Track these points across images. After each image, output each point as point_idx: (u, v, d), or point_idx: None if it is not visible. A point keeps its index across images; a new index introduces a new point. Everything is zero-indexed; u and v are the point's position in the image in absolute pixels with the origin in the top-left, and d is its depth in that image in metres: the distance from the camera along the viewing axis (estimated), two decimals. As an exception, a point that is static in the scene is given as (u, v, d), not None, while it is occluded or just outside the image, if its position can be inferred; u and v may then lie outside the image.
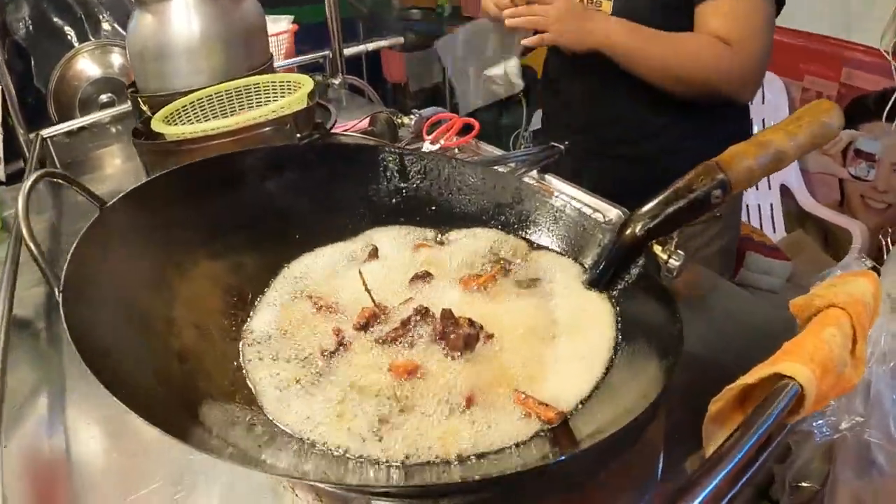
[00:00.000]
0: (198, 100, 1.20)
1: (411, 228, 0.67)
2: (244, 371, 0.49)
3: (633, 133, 1.22)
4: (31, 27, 2.08)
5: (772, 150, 0.66)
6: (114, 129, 1.72)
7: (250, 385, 0.48)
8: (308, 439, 0.44)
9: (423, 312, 0.51)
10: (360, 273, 0.55)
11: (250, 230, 0.63)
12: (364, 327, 0.51)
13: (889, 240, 0.68)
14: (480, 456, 0.42)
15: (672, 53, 1.04)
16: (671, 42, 1.07)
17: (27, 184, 0.50)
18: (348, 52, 1.98)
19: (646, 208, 0.60)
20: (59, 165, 1.49)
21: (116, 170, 1.54)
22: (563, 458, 0.40)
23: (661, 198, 0.60)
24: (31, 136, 1.46)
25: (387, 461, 0.41)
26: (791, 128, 0.70)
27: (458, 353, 0.49)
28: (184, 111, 1.18)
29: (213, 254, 0.58)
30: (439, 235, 0.66)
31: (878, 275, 0.64)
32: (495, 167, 0.86)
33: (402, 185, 0.70)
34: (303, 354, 0.50)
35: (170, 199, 0.59)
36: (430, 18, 3.93)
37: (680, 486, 0.39)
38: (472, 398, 0.46)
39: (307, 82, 1.12)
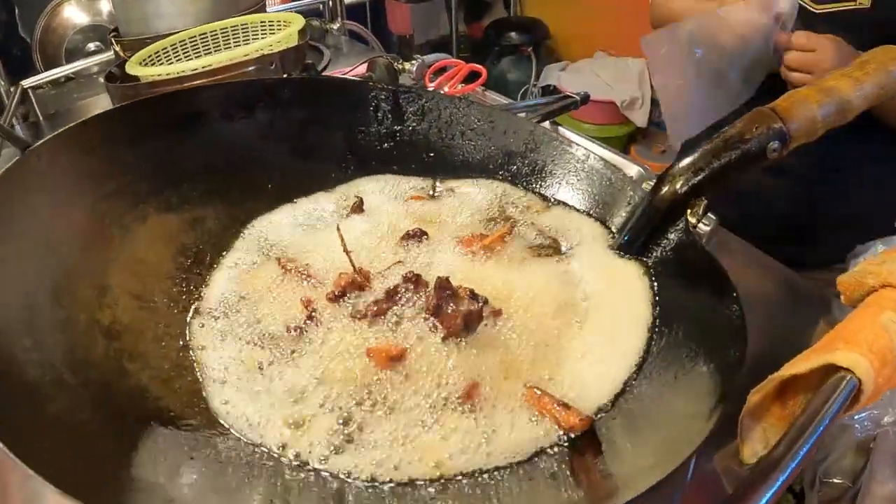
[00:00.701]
0: (180, 42, 1.11)
1: (404, 178, 0.56)
2: (190, 352, 0.40)
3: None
4: None
5: (836, 97, 0.58)
6: (101, 80, 1.62)
7: (196, 371, 0.38)
8: (257, 444, 0.34)
9: (414, 280, 0.41)
10: (338, 230, 0.44)
11: (212, 179, 0.53)
12: (339, 297, 0.41)
13: None
14: (476, 475, 0.32)
15: None
16: None
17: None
18: (349, -1, 1.85)
19: (689, 160, 0.50)
20: (40, 117, 1.40)
21: None
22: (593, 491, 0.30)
23: (707, 147, 0.51)
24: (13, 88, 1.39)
25: (351, 479, 0.31)
26: (857, 73, 0.61)
27: (456, 335, 0.38)
28: (164, 53, 1.09)
29: (164, 206, 0.49)
30: (437, 186, 0.55)
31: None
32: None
33: (396, 127, 0.59)
34: (263, 332, 0.41)
35: (112, 141, 0.49)
36: (438, -37, 3.77)
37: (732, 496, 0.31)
38: (472, 394, 0.36)
39: (297, 20, 1.01)
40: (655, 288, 0.45)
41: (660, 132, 3.47)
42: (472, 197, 0.53)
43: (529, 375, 0.38)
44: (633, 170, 0.96)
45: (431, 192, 0.55)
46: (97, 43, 1.68)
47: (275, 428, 0.35)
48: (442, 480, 0.32)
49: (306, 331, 0.40)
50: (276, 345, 0.40)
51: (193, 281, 0.46)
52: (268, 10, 1.41)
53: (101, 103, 1.48)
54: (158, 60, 1.07)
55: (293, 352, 0.39)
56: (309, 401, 0.36)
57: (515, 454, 0.33)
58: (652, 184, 0.53)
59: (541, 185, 0.56)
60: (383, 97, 0.59)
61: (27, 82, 1.41)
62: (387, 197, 0.53)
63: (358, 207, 0.51)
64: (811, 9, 1.07)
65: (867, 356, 0.43)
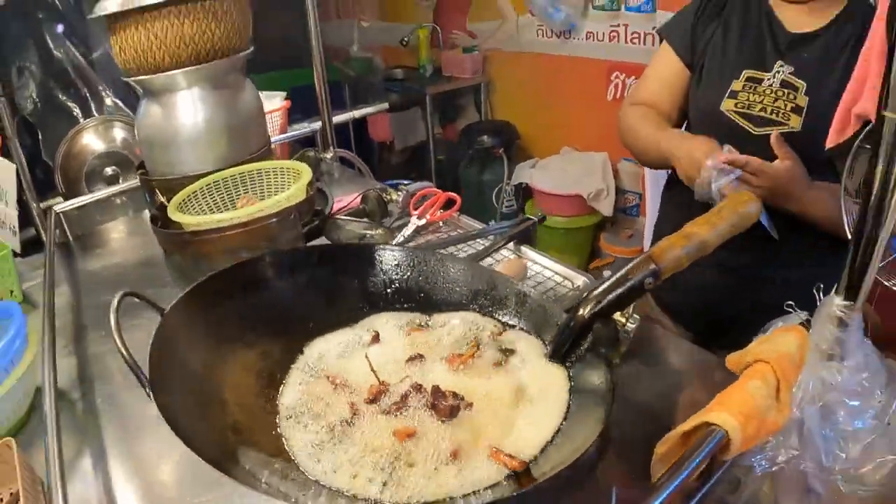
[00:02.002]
0: (206, 186, 1.37)
1: (405, 314, 0.85)
2: (283, 438, 0.67)
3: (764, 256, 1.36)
4: (38, 104, 2.26)
5: (696, 240, 0.84)
6: (118, 201, 1.90)
7: (287, 448, 0.66)
8: (333, 487, 0.61)
9: (418, 388, 0.70)
10: (367, 357, 0.73)
11: (273, 322, 0.82)
12: (373, 401, 0.70)
13: (820, 294, 0.83)
14: (465, 496, 0.59)
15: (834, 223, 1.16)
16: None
17: (114, 303, 0.68)
18: (337, 119, 2.18)
19: (593, 294, 0.78)
20: (70, 238, 1.68)
21: (123, 244, 1.74)
22: (523, 490, 0.58)
23: (605, 286, 0.79)
24: (43, 208, 1.66)
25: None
26: (714, 219, 0.88)
27: (446, 419, 0.67)
28: (194, 197, 1.34)
29: (246, 344, 0.77)
30: (428, 319, 0.85)
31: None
32: (476, 260, 1.04)
33: (395, 276, 0.89)
34: (326, 423, 0.68)
35: (209, 302, 0.78)
36: (413, 78, 4.17)
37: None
38: (457, 453, 0.64)
39: (305, 172, 1.29)
40: (571, 378, 0.74)
41: (626, 218, 3.81)
42: (452, 326, 0.83)
43: (491, 440, 0.66)
44: (580, 280, 1.26)
45: (425, 324, 0.84)
46: (114, 167, 1.95)
47: (342, 478, 0.62)
48: (447, 500, 0.59)
49: (353, 422, 0.68)
50: (336, 431, 0.67)
51: (272, 394, 0.74)
52: (271, 140, 1.71)
53: (119, 227, 1.79)
54: (190, 204, 1.33)
55: (347, 435, 0.66)
56: (362, 462, 0.63)
57: (484, 484, 0.61)
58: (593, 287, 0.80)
59: (499, 314, 0.86)
60: (385, 256, 0.90)
61: (59, 207, 1.70)
62: (394, 329, 0.82)
63: (375, 338, 0.81)
64: (751, 131, 1.35)
65: (735, 415, 0.67)
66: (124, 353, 0.62)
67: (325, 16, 2.31)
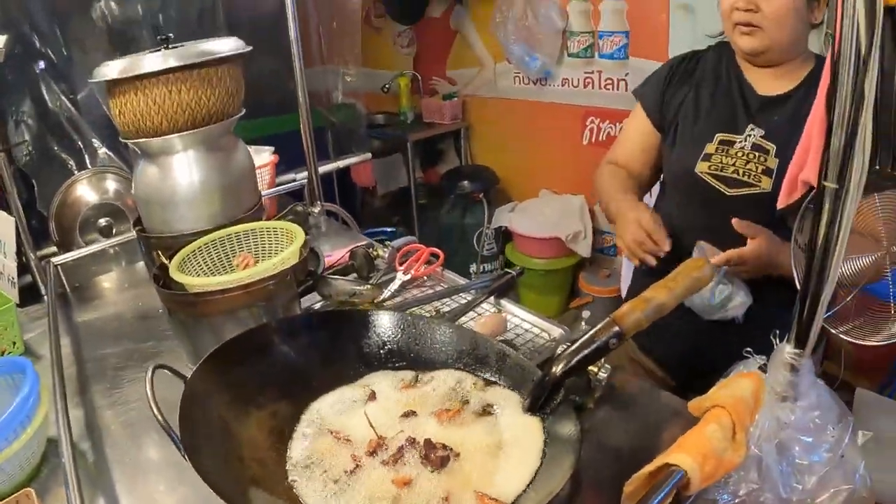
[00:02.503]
0: (204, 245, 1.45)
1: (397, 372, 0.97)
2: (294, 489, 0.78)
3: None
4: (33, 155, 2.35)
5: (654, 304, 0.95)
6: (112, 251, 1.99)
7: (299, 497, 0.77)
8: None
9: (412, 442, 0.81)
10: (365, 414, 0.85)
11: (280, 383, 0.93)
12: (372, 454, 0.81)
13: (776, 340, 0.94)
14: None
15: None
16: None
17: (149, 374, 0.79)
18: (322, 170, 2.31)
19: (564, 354, 0.90)
20: (68, 289, 1.77)
21: (120, 295, 1.82)
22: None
23: (574, 346, 0.90)
24: (40, 257, 1.79)
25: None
26: (671, 284, 0.99)
27: (437, 469, 0.78)
28: (192, 256, 1.42)
29: (257, 405, 0.88)
30: (418, 377, 0.96)
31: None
32: (456, 322, 1.16)
33: (387, 338, 1.01)
34: (332, 474, 0.79)
35: (223, 369, 0.90)
36: (394, 123, 4.33)
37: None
38: (448, 498, 0.75)
39: (299, 235, 1.39)
40: (546, 428, 0.86)
41: (604, 258, 3.96)
42: (440, 383, 0.95)
43: (477, 486, 0.78)
44: (556, 332, 1.38)
45: (415, 381, 0.95)
46: (107, 218, 2.02)
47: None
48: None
49: (356, 473, 0.79)
50: (341, 481, 0.78)
51: (282, 448, 0.85)
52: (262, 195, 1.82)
53: (114, 278, 1.89)
54: (189, 263, 1.41)
55: (351, 484, 0.77)
56: (366, 508, 0.74)
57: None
58: (565, 346, 0.92)
59: (481, 371, 0.98)
60: (379, 320, 1.01)
61: (57, 259, 1.80)
62: (388, 386, 0.94)
63: (372, 396, 0.92)
64: (725, 192, 1.44)
65: (693, 456, 0.77)
66: (160, 419, 0.73)
67: (309, 62, 2.44)
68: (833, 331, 0.94)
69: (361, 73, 3.59)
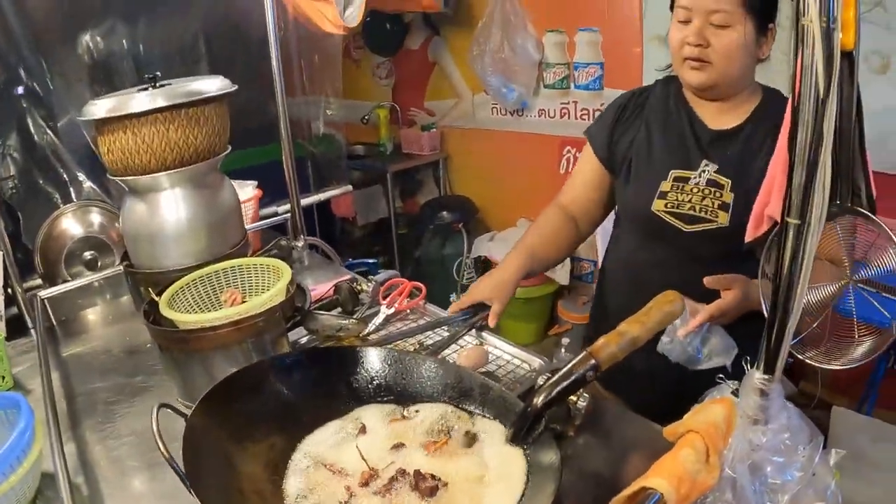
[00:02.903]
0: (192, 281, 1.49)
1: (386, 405, 1.03)
2: (290, 519, 0.83)
3: None
4: (19, 188, 2.37)
5: (628, 337, 1.02)
6: (97, 284, 2.01)
7: (296, 529, 0.82)
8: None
9: (402, 472, 0.87)
10: (357, 448, 0.90)
11: (274, 418, 0.98)
12: (365, 485, 0.86)
13: (748, 365, 0.98)
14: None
15: None
16: None
17: (154, 413, 0.84)
18: (304, 202, 2.36)
19: (545, 386, 0.96)
20: (54, 322, 1.80)
21: (106, 329, 1.85)
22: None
23: (554, 379, 0.96)
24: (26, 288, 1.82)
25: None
26: (643, 318, 1.06)
27: (427, 498, 0.84)
28: (181, 291, 1.46)
29: (254, 439, 0.93)
30: (405, 410, 1.02)
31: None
32: (439, 355, 1.22)
33: (374, 373, 1.06)
34: (327, 505, 0.84)
35: (221, 406, 0.94)
36: (374, 154, 4.40)
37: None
38: (437, 526, 0.80)
39: (286, 272, 1.43)
40: (528, 456, 0.92)
41: (582, 285, 4.04)
42: (427, 415, 1.01)
43: (464, 514, 0.83)
44: (536, 362, 1.44)
45: (403, 415, 1.01)
46: (92, 252, 2.04)
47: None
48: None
49: (350, 503, 0.84)
50: (336, 511, 0.83)
51: (279, 481, 0.90)
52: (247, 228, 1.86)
53: (99, 312, 1.92)
54: (178, 299, 1.45)
55: (345, 515, 0.83)
56: (360, 537, 0.79)
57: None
58: (545, 377, 0.97)
59: (465, 404, 1.03)
60: (367, 356, 1.07)
61: (44, 294, 1.83)
62: (378, 420, 0.99)
63: (363, 430, 0.97)
64: (682, 229, 1.46)
65: (668, 479, 0.82)
66: (166, 455, 0.77)
67: (290, 92, 2.50)
68: (800, 356, 0.99)
69: (340, 104, 3.66)
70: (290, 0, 2.42)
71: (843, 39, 0.77)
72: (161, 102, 1.51)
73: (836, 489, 0.90)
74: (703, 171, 1.47)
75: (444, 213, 4.07)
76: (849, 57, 0.81)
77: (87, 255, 2.05)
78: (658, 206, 1.49)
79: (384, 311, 1.66)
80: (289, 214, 2.30)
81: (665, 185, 1.50)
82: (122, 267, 1.68)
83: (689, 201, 1.46)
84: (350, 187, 2.88)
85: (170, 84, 1.59)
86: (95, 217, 2.11)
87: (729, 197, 1.43)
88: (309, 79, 2.86)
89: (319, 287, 1.81)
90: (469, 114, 4.43)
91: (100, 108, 1.51)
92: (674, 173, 1.50)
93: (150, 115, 1.51)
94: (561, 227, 1.67)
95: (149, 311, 1.44)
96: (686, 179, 1.48)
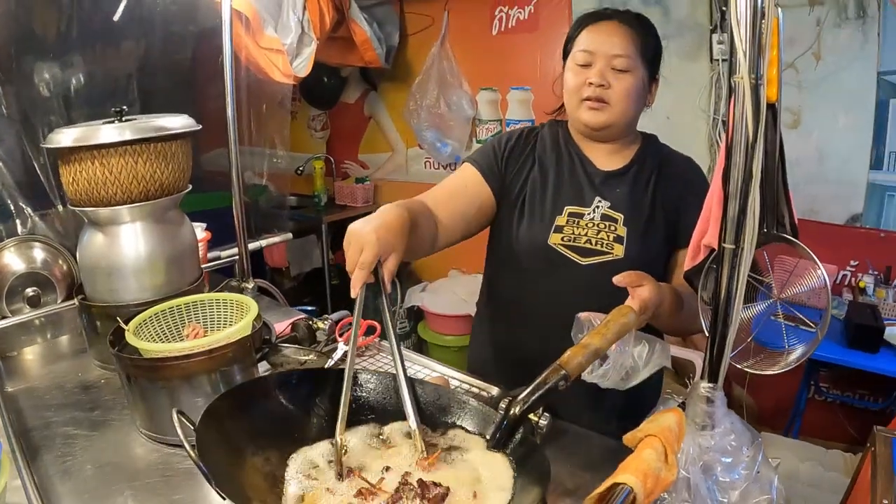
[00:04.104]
0: (154, 314, 1.50)
1: (367, 425, 1.11)
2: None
3: None
4: None
5: (592, 349, 1.13)
6: (38, 322, 1.97)
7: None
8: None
9: (405, 483, 0.94)
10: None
11: (267, 434, 1.03)
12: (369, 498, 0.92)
13: (690, 380, 1.08)
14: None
15: (692, 316, 1.22)
16: (690, 302, 1.33)
17: (174, 417, 0.87)
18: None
19: (521, 396, 1.04)
20: None
21: (53, 366, 1.79)
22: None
23: (529, 389, 1.05)
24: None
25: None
26: (603, 331, 1.16)
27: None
28: (143, 325, 1.47)
29: (251, 452, 0.98)
30: (383, 428, 1.10)
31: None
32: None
33: (358, 394, 1.13)
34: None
35: (218, 422, 0.97)
36: (309, 206, 4.45)
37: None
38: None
39: (253, 307, 1.47)
40: (512, 462, 0.99)
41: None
42: (409, 431, 1.06)
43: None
44: (494, 390, 1.52)
45: (385, 436, 1.08)
46: (34, 288, 2.01)
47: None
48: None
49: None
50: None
51: (277, 491, 0.94)
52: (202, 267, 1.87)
53: (36, 351, 1.89)
54: (141, 332, 1.44)
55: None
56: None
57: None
58: (506, 401, 1.05)
59: (445, 418, 1.10)
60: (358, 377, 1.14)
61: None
62: (359, 441, 1.05)
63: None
64: (579, 262, 1.51)
65: (636, 474, 0.91)
66: (193, 456, 0.81)
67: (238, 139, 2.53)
68: (738, 366, 1.08)
69: (275, 155, 3.70)
70: (243, 48, 2.50)
71: (769, 93, 0.91)
72: (132, 135, 1.55)
73: (780, 484, 1.01)
74: (597, 207, 1.55)
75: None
76: (773, 108, 0.93)
77: (30, 291, 2.01)
78: (554, 239, 1.54)
79: (342, 347, 1.72)
80: (234, 258, 2.33)
81: (560, 220, 1.55)
82: (65, 304, 1.65)
83: (585, 235, 1.53)
84: (290, 235, 2.92)
85: (136, 119, 1.63)
86: (38, 253, 2.07)
87: (623, 230, 1.51)
88: (256, 128, 2.91)
89: (276, 325, 1.84)
90: (403, 167, 4.56)
91: (67, 136, 1.53)
92: (568, 209, 1.56)
93: (121, 146, 1.55)
94: (430, 218, 1.53)
95: (114, 342, 1.43)
96: (581, 215, 1.55)
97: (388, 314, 1.18)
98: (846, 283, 3.12)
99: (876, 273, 3.01)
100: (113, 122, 1.59)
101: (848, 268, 3.11)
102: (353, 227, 1.21)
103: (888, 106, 2.90)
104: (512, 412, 1.03)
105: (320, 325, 1.80)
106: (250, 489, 0.90)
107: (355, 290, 1.14)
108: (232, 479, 0.88)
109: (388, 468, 1.00)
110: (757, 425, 1.13)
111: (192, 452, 0.80)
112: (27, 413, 1.51)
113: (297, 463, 1.00)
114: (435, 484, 0.92)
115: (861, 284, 3.01)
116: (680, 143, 1.68)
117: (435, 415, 1.12)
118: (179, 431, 0.85)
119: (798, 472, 2.15)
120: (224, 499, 0.77)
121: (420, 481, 0.92)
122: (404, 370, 1.11)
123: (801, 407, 2.89)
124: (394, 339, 1.15)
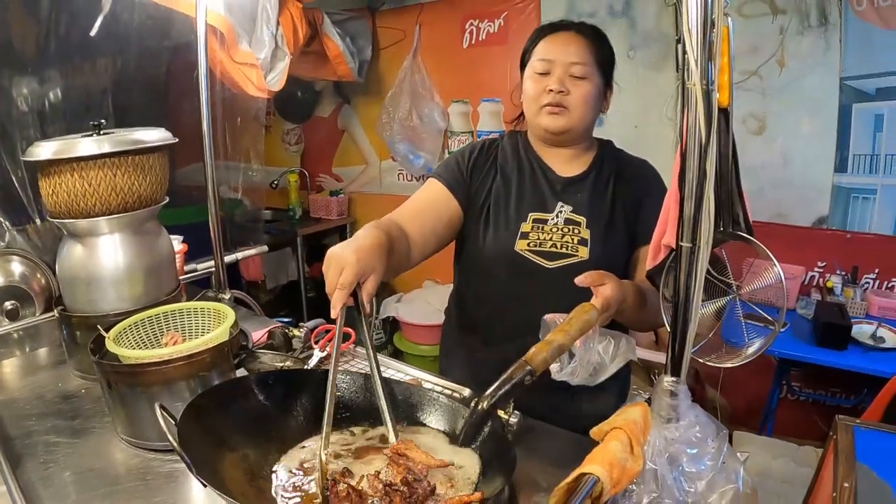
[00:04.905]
0: (134, 323, 1.53)
1: (344, 424, 1.16)
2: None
3: None
4: None
5: (556, 345, 1.15)
6: (16, 336, 1.99)
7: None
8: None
9: (389, 484, 0.98)
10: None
11: (245, 431, 1.08)
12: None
13: (655, 377, 1.12)
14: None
15: (655, 311, 1.24)
16: (652, 298, 1.37)
17: (158, 411, 0.92)
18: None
19: (488, 392, 1.08)
20: None
21: (30, 377, 1.80)
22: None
23: (496, 384, 1.08)
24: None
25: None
26: (566, 327, 1.19)
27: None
28: (122, 334, 1.50)
29: (230, 448, 1.03)
30: (356, 427, 1.16)
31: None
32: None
33: (338, 393, 1.18)
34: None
35: (199, 417, 1.02)
36: (284, 219, 4.48)
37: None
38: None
39: (230, 314, 1.52)
40: (480, 455, 1.05)
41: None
42: (383, 430, 1.12)
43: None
44: (466, 391, 1.57)
45: (364, 436, 1.14)
46: (13, 302, 2.03)
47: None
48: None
49: None
50: None
51: (259, 484, 0.99)
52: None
53: (15, 364, 1.88)
54: (121, 341, 1.48)
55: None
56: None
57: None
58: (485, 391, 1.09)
59: (417, 415, 1.16)
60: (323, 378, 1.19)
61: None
62: (338, 446, 1.11)
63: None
64: (545, 266, 1.55)
65: (602, 465, 0.94)
66: (176, 446, 0.86)
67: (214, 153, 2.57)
68: (700, 360, 1.12)
69: (250, 168, 3.74)
70: (218, 63, 2.54)
71: (720, 98, 0.95)
72: (111, 148, 1.59)
73: (746, 474, 1.04)
74: (560, 212, 1.60)
75: (353, 275, 4.13)
76: (725, 112, 0.97)
77: (8, 305, 2.03)
78: (521, 245, 1.59)
79: (318, 354, 1.77)
80: (211, 269, 2.36)
81: (525, 227, 1.60)
82: (43, 316, 1.66)
83: (550, 239, 1.58)
84: (266, 248, 2.96)
85: (113, 132, 1.67)
86: (16, 266, 2.09)
87: (586, 233, 1.57)
88: (231, 142, 2.95)
89: (253, 333, 1.89)
90: (376, 180, 4.62)
91: (47, 149, 1.57)
92: (532, 215, 1.61)
93: (100, 159, 1.59)
94: (403, 237, 1.55)
95: (94, 349, 1.46)
96: (545, 220, 1.60)
97: (366, 335, 1.22)
98: (814, 283, 3.23)
99: (843, 273, 3.11)
100: (91, 135, 1.63)
101: (816, 269, 3.21)
102: (333, 250, 1.22)
103: (851, 110, 3.00)
104: (480, 408, 1.07)
105: (296, 332, 1.85)
106: (230, 482, 0.95)
107: (335, 311, 1.17)
108: (212, 470, 0.93)
109: (377, 472, 1.04)
110: (730, 426, 1.16)
111: (174, 442, 0.85)
112: (8, 422, 1.53)
113: (282, 465, 1.06)
114: (416, 480, 0.97)
115: (829, 284, 3.11)
116: (647, 151, 1.75)
117: (406, 411, 1.18)
118: (162, 423, 0.90)
119: (771, 469, 2.22)
120: (205, 486, 0.82)
121: (404, 480, 0.97)
122: (379, 372, 1.17)
123: (774, 406, 2.96)
124: (372, 356, 1.19)
